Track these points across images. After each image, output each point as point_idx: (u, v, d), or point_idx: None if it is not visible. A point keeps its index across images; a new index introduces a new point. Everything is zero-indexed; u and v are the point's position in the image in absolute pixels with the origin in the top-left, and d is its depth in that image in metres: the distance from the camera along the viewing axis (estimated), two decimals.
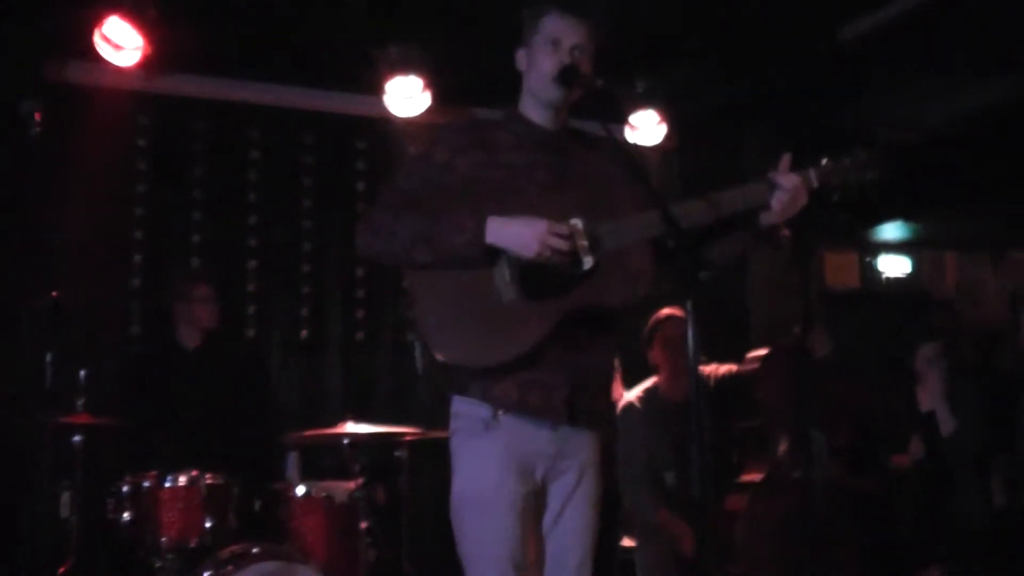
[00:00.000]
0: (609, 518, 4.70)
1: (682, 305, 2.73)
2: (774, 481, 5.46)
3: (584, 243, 3.07)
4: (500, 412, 3.12)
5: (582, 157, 3.35)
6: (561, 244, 3.03)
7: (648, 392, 5.71)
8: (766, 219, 3.23)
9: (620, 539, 5.67)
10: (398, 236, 3.08)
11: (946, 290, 10.88)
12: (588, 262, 3.07)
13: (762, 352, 5.68)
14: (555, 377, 3.13)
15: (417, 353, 5.38)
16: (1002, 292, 10.75)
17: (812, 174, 3.24)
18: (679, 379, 5.59)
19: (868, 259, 10.31)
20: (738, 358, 5.77)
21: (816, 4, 6.06)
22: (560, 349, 3.10)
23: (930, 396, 5.92)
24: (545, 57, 3.22)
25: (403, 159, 3.33)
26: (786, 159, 3.21)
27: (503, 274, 3.08)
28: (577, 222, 3.08)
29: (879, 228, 9.82)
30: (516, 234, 3.03)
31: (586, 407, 3.20)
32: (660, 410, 5.62)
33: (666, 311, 5.56)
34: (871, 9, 6.13)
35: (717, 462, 5.54)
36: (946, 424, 5.77)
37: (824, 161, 3.27)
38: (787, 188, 3.17)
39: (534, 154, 3.27)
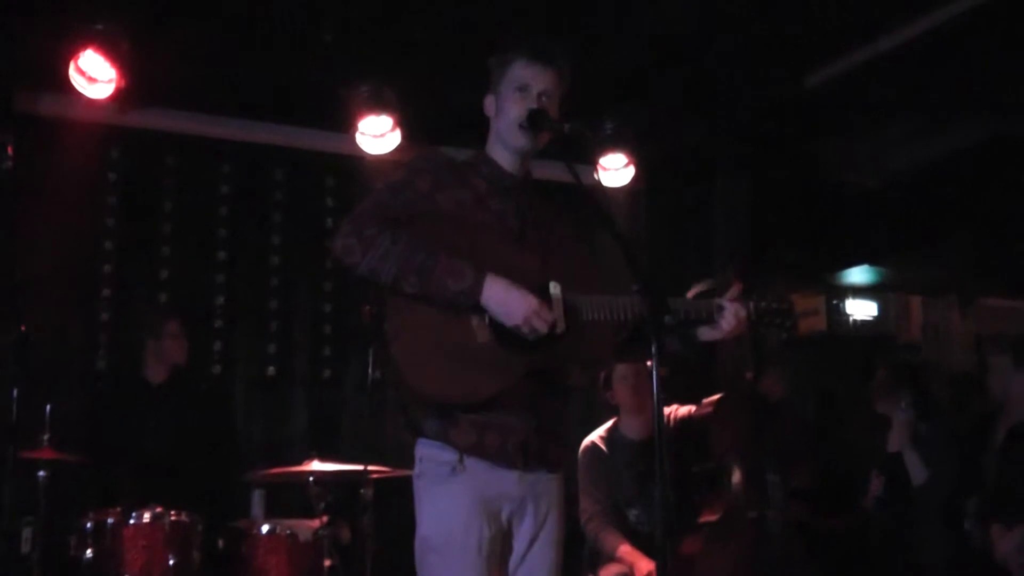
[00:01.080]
0: (570, 557, 4.69)
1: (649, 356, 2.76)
2: (729, 522, 5.50)
3: (561, 311, 3.13)
4: (465, 456, 3.14)
5: (543, 210, 3.42)
6: (541, 327, 3.07)
7: (610, 431, 5.74)
8: (705, 334, 3.38)
9: None
10: (391, 259, 3.07)
11: (912, 334, 10.96)
12: (560, 327, 3.13)
13: (716, 397, 5.73)
14: (512, 421, 3.16)
15: (370, 369, 5.35)
16: (968, 336, 10.84)
17: (752, 309, 3.38)
18: (639, 416, 5.63)
19: (835, 302, 10.36)
20: (700, 400, 5.81)
21: (782, 51, 6.13)
22: (519, 393, 3.13)
23: (897, 441, 5.95)
24: (513, 103, 3.28)
25: (386, 181, 3.35)
26: (736, 288, 3.35)
27: (482, 317, 3.11)
28: (556, 289, 3.14)
29: (846, 272, 9.89)
30: (507, 304, 3.06)
31: (542, 452, 3.23)
32: (622, 448, 5.65)
33: None
34: (836, 56, 6.21)
35: (680, 501, 5.57)
36: (917, 474, 5.78)
37: (763, 302, 3.41)
38: (736, 316, 3.32)
39: (504, 201, 3.33)
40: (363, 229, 3.13)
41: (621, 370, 5.67)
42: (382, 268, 3.08)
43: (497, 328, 3.09)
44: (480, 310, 3.09)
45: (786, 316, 3.43)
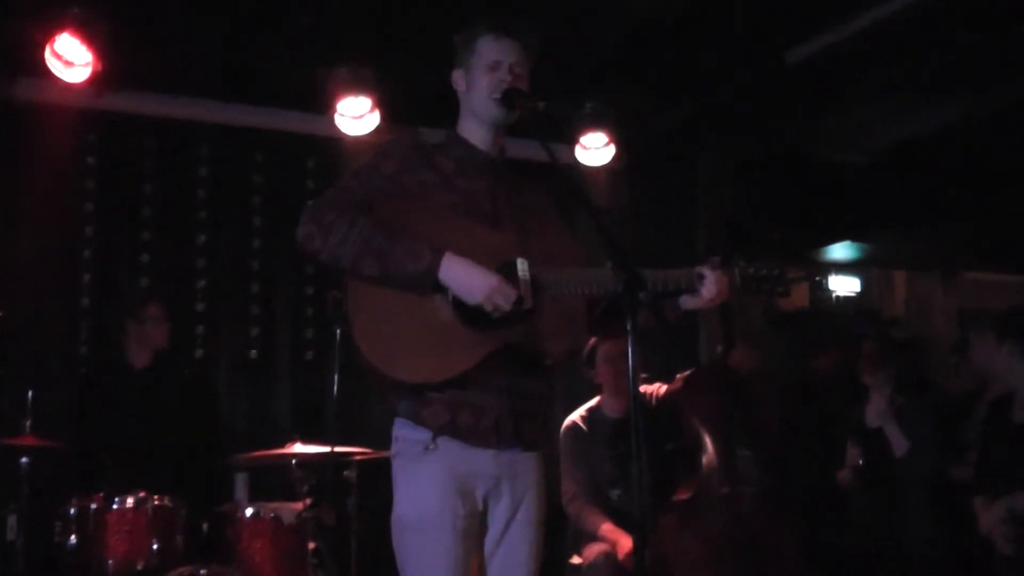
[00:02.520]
0: (555, 538, 4.72)
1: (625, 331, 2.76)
2: (702, 499, 5.53)
3: (528, 287, 3.11)
4: (438, 436, 3.14)
5: (518, 188, 3.42)
6: (504, 304, 3.06)
7: (591, 411, 5.75)
8: (687, 303, 3.35)
9: (569, 559, 5.68)
10: (349, 243, 3.08)
11: (895, 309, 11.00)
12: (528, 303, 3.12)
13: (686, 373, 5.75)
14: (486, 400, 3.16)
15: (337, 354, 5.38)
16: (951, 311, 10.88)
17: (738, 277, 3.37)
18: (621, 397, 5.64)
19: (818, 279, 10.38)
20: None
21: (764, 27, 6.12)
22: (492, 373, 3.13)
23: (877, 414, 5.98)
24: (484, 78, 3.29)
25: (351, 167, 3.40)
26: (714, 261, 3.34)
27: (445, 296, 3.10)
28: (523, 265, 3.13)
29: (829, 248, 9.91)
30: (467, 281, 3.06)
31: (517, 431, 3.22)
32: (603, 429, 5.66)
33: None
34: (818, 33, 6.19)
35: (658, 480, 5.58)
36: (899, 445, 5.82)
37: (751, 268, 3.40)
38: (717, 284, 3.29)
39: (475, 181, 3.32)
40: (323, 216, 3.14)
41: (605, 350, 5.67)
42: (342, 253, 3.09)
43: (460, 307, 3.09)
44: (442, 290, 3.08)
45: (777, 282, 3.41)
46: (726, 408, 5.61)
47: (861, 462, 5.99)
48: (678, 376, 5.74)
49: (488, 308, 3.06)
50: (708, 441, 5.60)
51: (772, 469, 5.68)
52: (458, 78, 3.39)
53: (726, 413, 5.61)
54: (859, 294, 10.73)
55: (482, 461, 3.19)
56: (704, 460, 5.60)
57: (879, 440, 5.92)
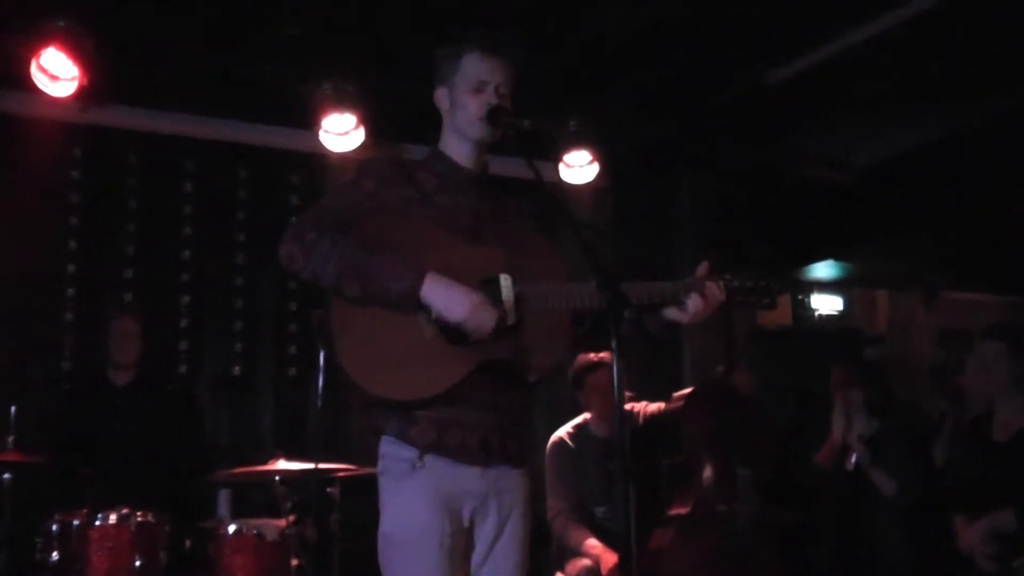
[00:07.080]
0: (539, 555, 4.72)
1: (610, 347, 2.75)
2: (699, 515, 5.55)
3: (511, 303, 3.11)
4: (425, 454, 3.13)
5: (502, 204, 3.42)
6: (486, 323, 3.05)
7: (578, 428, 5.75)
8: (672, 315, 3.27)
9: (552, 575, 5.69)
10: (331, 263, 3.07)
11: (878, 328, 11.04)
12: (511, 319, 3.12)
13: (687, 391, 5.76)
14: (473, 417, 3.16)
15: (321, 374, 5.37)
16: (932, 329, 10.93)
17: (724, 289, 3.29)
18: (608, 417, 5.63)
19: (801, 297, 10.42)
20: (669, 395, 5.84)
21: (747, 45, 6.15)
22: (477, 389, 3.13)
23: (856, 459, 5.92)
24: (470, 98, 3.27)
25: (332, 185, 3.41)
26: (704, 265, 3.30)
27: (428, 313, 3.09)
28: (507, 281, 3.13)
29: (811, 266, 9.94)
30: (449, 301, 3.04)
31: (503, 448, 3.22)
32: (590, 446, 5.67)
33: (595, 356, 5.57)
34: (801, 52, 6.23)
35: (644, 497, 5.59)
36: (886, 487, 5.75)
37: (736, 281, 3.33)
38: (707, 297, 3.24)
39: (457, 196, 3.32)
40: (304, 235, 3.13)
41: (594, 380, 5.65)
42: (323, 272, 3.08)
43: (443, 325, 3.08)
44: (425, 308, 3.07)
45: (764, 293, 3.35)
46: (727, 427, 5.64)
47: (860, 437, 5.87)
48: (677, 394, 5.76)
49: (471, 327, 3.05)
50: (707, 459, 5.62)
51: (761, 488, 5.70)
52: (441, 97, 3.37)
53: (727, 432, 5.63)
54: (842, 312, 10.78)
55: (469, 479, 3.19)
56: (703, 477, 5.61)
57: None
